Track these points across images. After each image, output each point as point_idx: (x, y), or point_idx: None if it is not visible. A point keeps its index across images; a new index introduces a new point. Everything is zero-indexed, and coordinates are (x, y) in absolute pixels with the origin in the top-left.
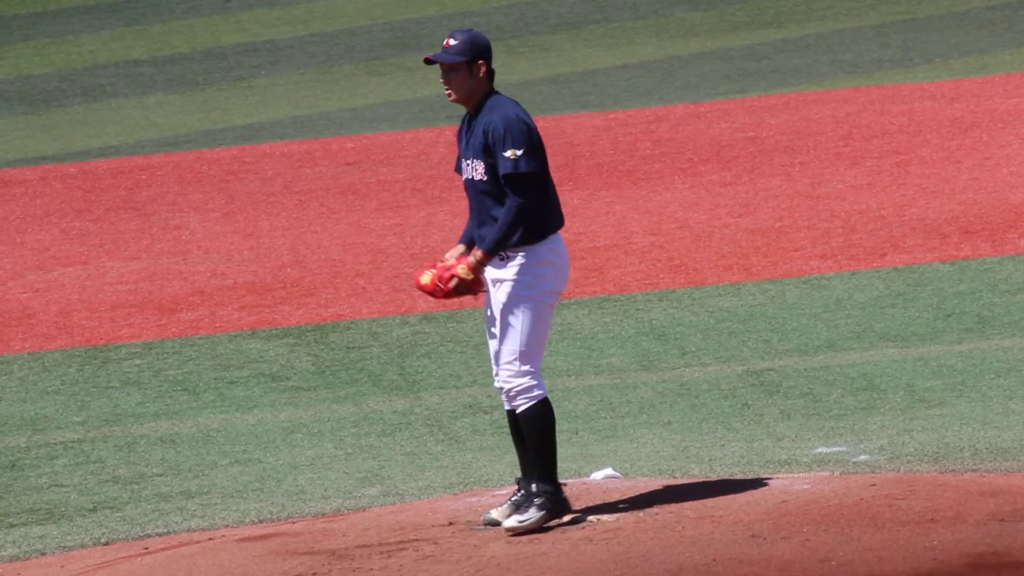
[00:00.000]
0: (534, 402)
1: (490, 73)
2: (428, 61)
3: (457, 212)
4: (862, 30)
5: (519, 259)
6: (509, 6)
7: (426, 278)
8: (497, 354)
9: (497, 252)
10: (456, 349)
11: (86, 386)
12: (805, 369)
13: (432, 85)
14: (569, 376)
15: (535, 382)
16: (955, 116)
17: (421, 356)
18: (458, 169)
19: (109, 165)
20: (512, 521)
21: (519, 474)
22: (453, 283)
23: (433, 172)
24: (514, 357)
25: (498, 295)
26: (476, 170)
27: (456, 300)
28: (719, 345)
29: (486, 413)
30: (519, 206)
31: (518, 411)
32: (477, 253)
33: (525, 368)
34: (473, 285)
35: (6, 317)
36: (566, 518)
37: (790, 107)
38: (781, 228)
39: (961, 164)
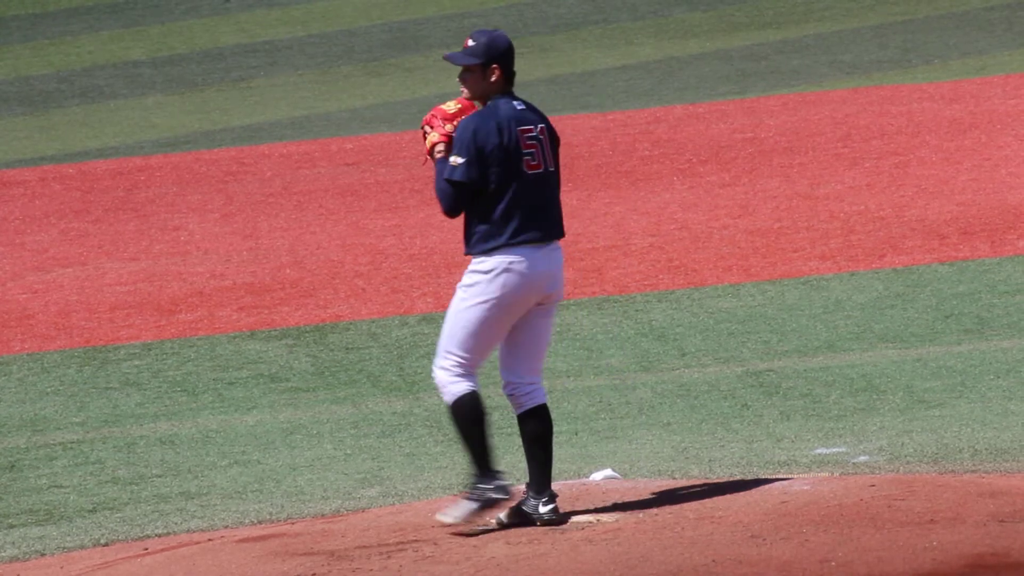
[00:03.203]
0: (450, 399)
1: (507, 76)
2: (446, 59)
3: None
4: (861, 31)
5: (471, 263)
6: (508, 7)
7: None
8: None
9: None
10: None
11: (85, 387)
12: (804, 370)
13: (431, 85)
14: (568, 377)
15: (452, 379)
16: (954, 117)
17: (420, 357)
18: None
19: (108, 166)
20: (440, 516)
21: (526, 478)
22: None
23: (432, 173)
24: (441, 350)
25: None
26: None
27: None
28: (718, 346)
29: (485, 414)
30: (441, 212)
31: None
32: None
33: (445, 363)
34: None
35: (5, 318)
36: (501, 512)
37: (789, 108)
38: (780, 229)
39: (960, 165)
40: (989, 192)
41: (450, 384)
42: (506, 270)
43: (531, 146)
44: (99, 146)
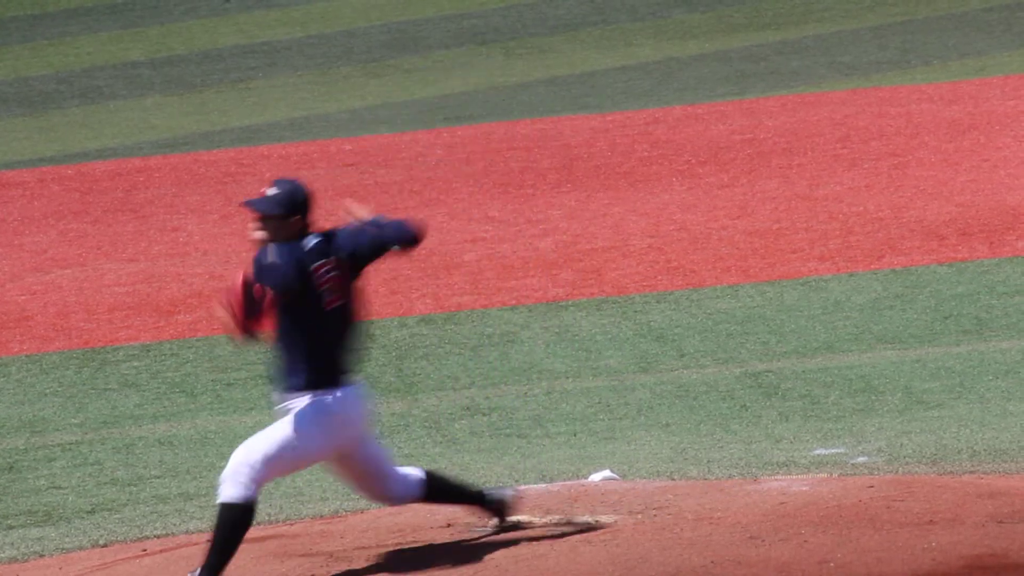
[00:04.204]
0: (229, 499)
1: (306, 223)
2: (247, 205)
3: (455, 214)
4: (860, 32)
5: (291, 402)
6: (507, 7)
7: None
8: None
9: None
10: (454, 351)
11: (84, 388)
12: (803, 371)
13: (429, 86)
14: (567, 378)
15: (242, 483)
16: (953, 118)
17: (419, 358)
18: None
19: (107, 167)
20: None
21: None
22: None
23: (431, 174)
24: (243, 457)
25: None
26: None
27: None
28: (717, 347)
29: (484, 415)
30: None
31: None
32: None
33: (242, 470)
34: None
35: (4, 319)
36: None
37: (788, 109)
38: (779, 230)
39: (959, 166)
40: (988, 193)
41: (237, 486)
42: (327, 410)
43: (327, 281)
44: (98, 147)
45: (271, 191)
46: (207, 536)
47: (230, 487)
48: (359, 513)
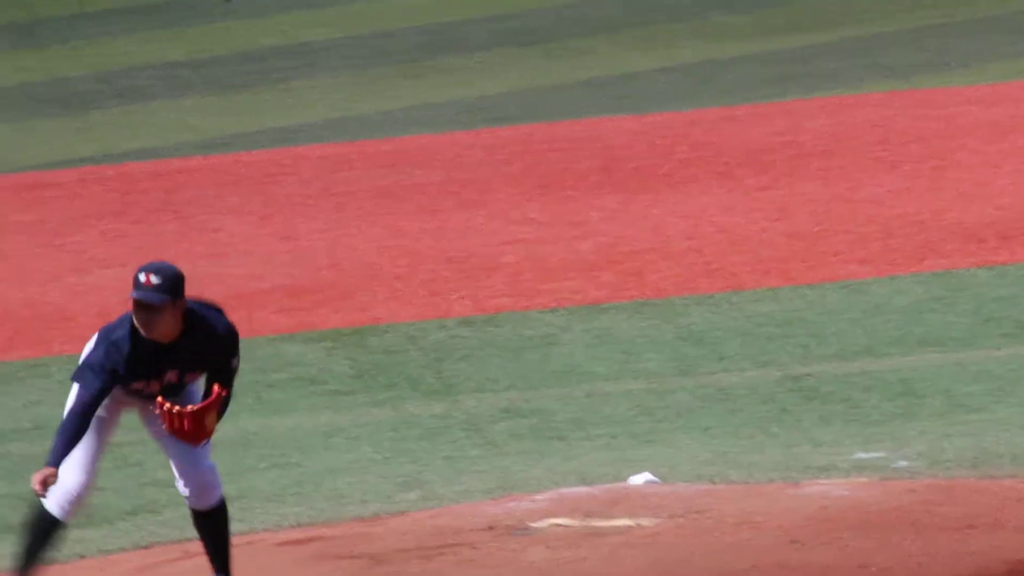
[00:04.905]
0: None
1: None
2: (142, 304)
3: (494, 215)
4: (899, 34)
5: None
6: (546, 9)
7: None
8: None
9: None
10: (494, 353)
11: None
12: (844, 374)
13: (467, 87)
14: (607, 380)
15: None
16: (993, 120)
17: (459, 360)
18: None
19: (147, 167)
20: None
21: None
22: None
23: (470, 175)
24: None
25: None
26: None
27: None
28: (757, 350)
29: (524, 417)
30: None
31: (212, 505)
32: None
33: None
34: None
35: (46, 320)
36: None
37: (827, 111)
38: (819, 233)
39: (1000, 168)
40: None
41: (220, 486)
42: None
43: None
44: (137, 147)
45: (153, 280)
46: (248, 538)
47: (216, 489)
48: (400, 516)
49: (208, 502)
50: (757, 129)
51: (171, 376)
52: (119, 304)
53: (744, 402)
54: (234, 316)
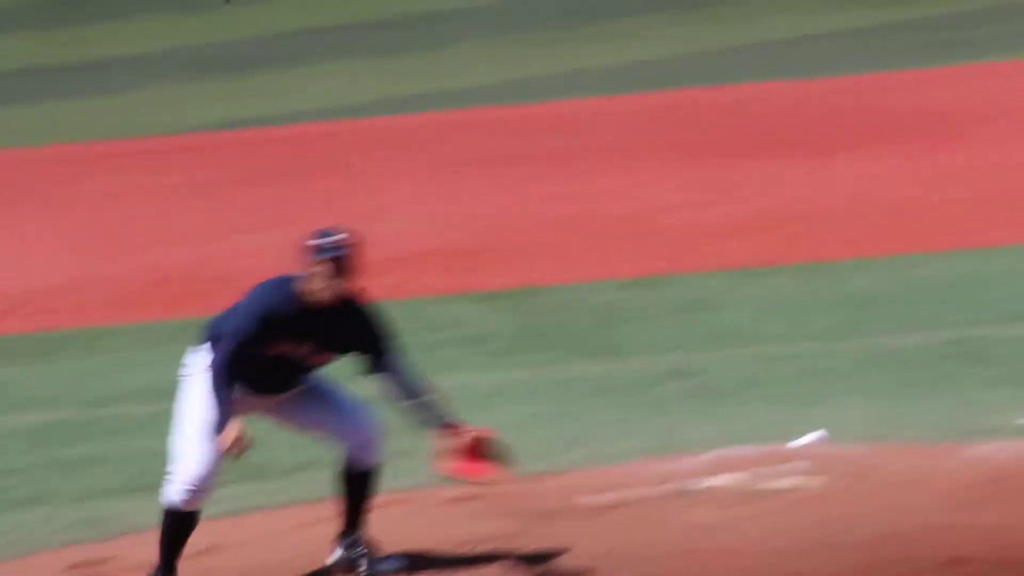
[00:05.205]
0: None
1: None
2: (342, 255)
3: (655, 180)
4: None
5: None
6: None
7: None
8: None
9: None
10: (659, 314)
11: None
12: (1010, 338)
13: (630, 51)
14: (773, 343)
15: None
16: None
17: (624, 321)
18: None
19: (319, 128)
20: None
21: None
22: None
23: (632, 139)
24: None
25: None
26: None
27: None
28: (924, 313)
29: (689, 378)
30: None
31: (378, 461)
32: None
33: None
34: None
35: (210, 280)
36: None
37: (990, 77)
38: (979, 198)
39: None
40: None
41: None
42: None
43: None
44: (308, 108)
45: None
46: (415, 493)
47: (383, 442)
48: (567, 474)
49: (377, 457)
50: (919, 94)
51: (313, 346)
52: (280, 266)
53: (911, 364)
54: (397, 276)
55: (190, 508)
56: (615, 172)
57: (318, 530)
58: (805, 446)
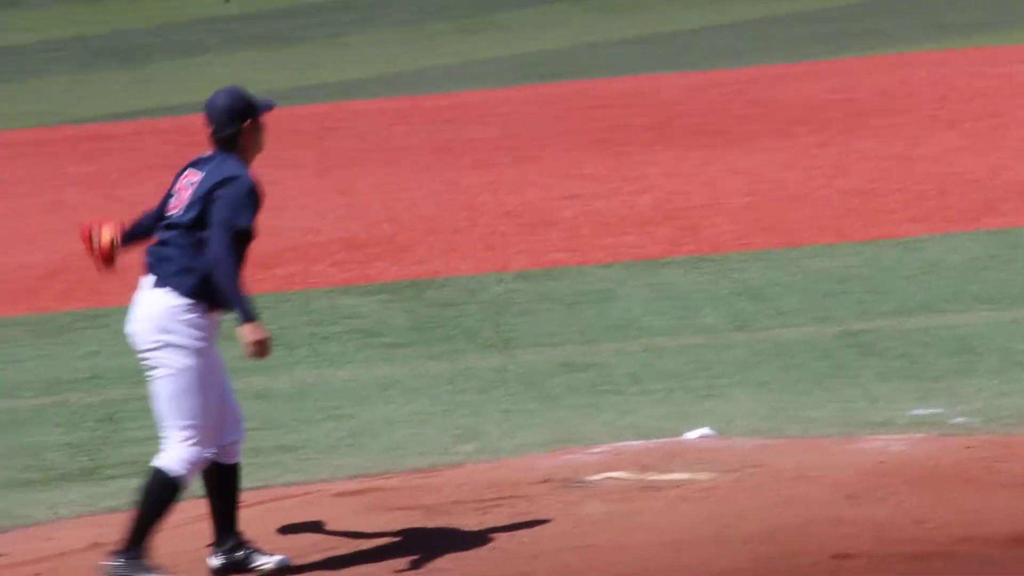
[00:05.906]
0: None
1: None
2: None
3: (550, 171)
4: None
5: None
6: None
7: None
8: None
9: None
10: (551, 307)
11: None
12: (901, 331)
13: (523, 42)
14: (664, 335)
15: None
16: None
17: (516, 314)
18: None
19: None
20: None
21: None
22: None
23: (526, 131)
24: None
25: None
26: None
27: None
28: (814, 306)
29: (581, 371)
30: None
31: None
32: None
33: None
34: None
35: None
36: None
37: (885, 69)
38: (875, 190)
39: None
40: None
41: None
42: None
43: (180, 189)
44: (193, 100)
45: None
46: (304, 488)
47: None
48: (456, 468)
49: (239, 455)
50: (814, 86)
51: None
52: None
53: (801, 358)
54: (291, 268)
55: (193, 475)
56: (509, 164)
57: (203, 526)
58: (695, 440)
